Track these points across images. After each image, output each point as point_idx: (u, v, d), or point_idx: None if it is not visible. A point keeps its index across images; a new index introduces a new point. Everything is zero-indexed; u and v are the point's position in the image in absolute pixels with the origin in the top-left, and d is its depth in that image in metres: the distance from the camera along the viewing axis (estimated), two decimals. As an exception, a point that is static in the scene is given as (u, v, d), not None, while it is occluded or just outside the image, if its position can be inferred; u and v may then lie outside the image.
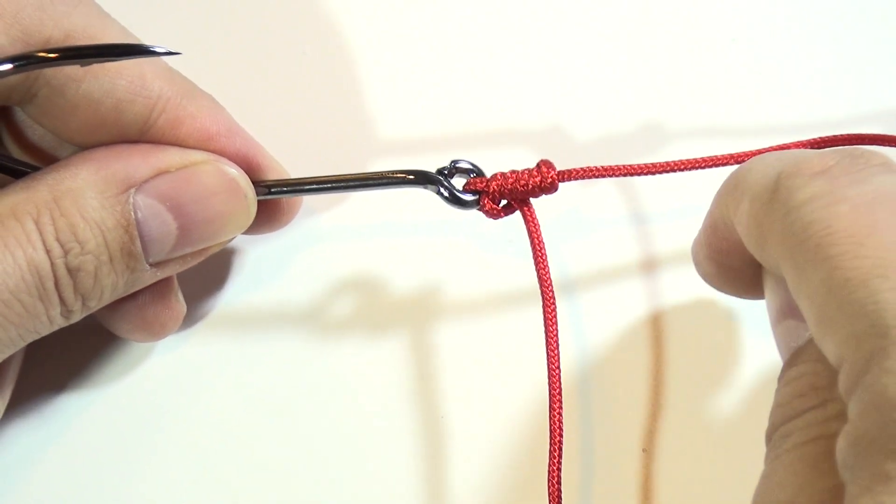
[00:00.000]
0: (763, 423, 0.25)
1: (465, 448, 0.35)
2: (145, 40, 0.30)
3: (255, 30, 0.41)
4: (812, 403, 0.23)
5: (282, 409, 0.35)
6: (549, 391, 0.32)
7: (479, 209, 0.34)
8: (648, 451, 0.35)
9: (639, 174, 0.34)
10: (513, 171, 0.33)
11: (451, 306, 0.36)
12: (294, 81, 0.40)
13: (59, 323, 0.30)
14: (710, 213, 0.29)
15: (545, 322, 0.32)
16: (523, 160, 0.34)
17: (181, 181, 0.31)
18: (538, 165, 0.33)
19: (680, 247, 0.37)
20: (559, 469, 0.31)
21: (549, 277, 0.33)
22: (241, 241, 0.37)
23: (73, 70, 0.29)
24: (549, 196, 0.34)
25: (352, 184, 0.33)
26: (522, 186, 0.33)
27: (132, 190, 0.30)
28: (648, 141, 0.39)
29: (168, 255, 0.31)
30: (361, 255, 0.37)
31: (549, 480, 0.31)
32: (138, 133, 0.31)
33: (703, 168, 0.34)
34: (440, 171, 0.33)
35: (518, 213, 0.34)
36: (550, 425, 0.31)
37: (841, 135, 0.35)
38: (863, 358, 0.20)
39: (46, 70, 0.29)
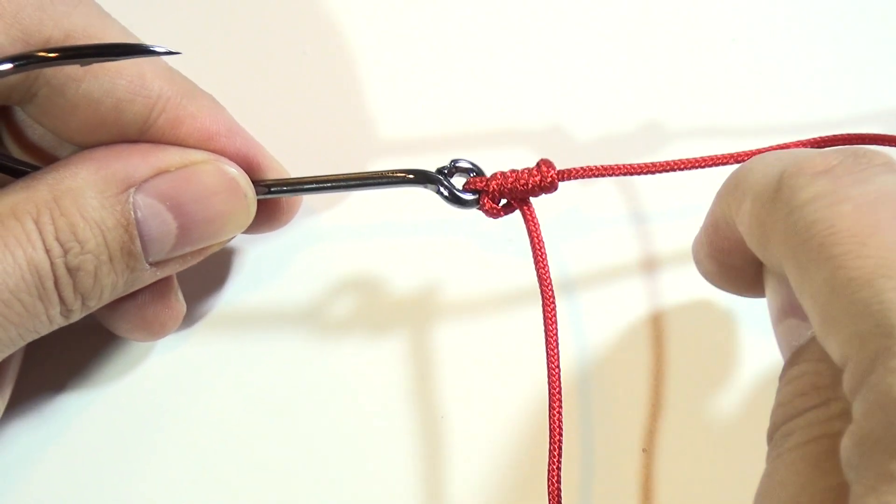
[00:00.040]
0: (764, 423, 0.25)
1: (465, 448, 0.35)
2: (145, 40, 0.30)
3: (255, 30, 0.41)
4: (814, 402, 0.23)
5: (282, 409, 0.35)
6: (549, 390, 0.32)
7: (479, 208, 0.34)
8: (648, 451, 0.35)
9: (638, 173, 0.34)
10: (512, 171, 0.33)
11: (451, 306, 0.36)
12: (294, 81, 0.40)
13: (59, 322, 0.30)
14: (712, 212, 0.29)
15: (545, 321, 0.32)
16: (523, 160, 0.34)
17: (181, 181, 0.31)
18: (538, 165, 0.33)
19: (680, 246, 0.37)
20: (559, 469, 0.31)
21: (549, 277, 0.33)
22: (240, 240, 0.37)
23: (72, 70, 0.29)
24: (549, 195, 0.34)
25: (351, 183, 0.33)
26: (522, 186, 0.33)
27: (132, 189, 0.30)
28: (648, 141, 0.39)
29: (168, 254, 0.31)
30: (361, 255, 0.37)
31: (548, 480, 0.31)
32: (138, 132, 0.31)
33: (703, 167, 0.34)
34: (440, 171, 0.33)
35: (518, 213, 0.34)
36: (550, 425, 0.31)
37: (841, 134, 0.35)
38: (868, 357, 0.20)
39: (46, 70, 0.29)
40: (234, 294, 0.37)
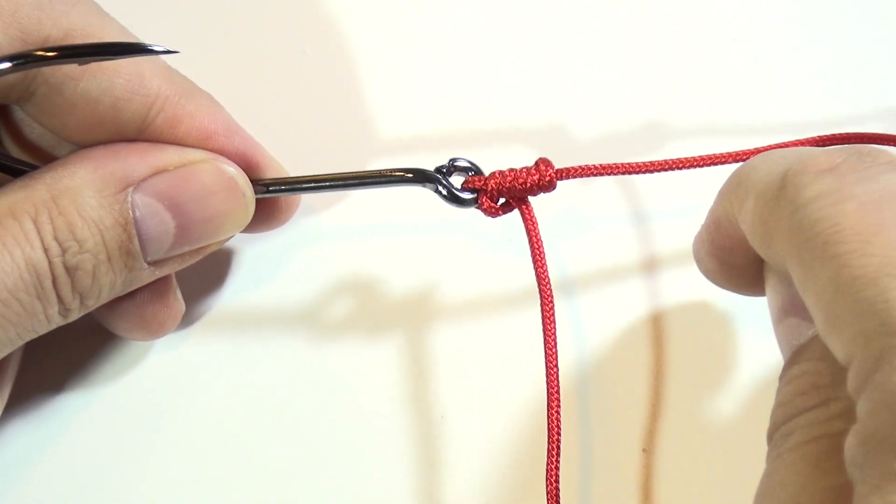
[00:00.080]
0: (763, 423, 0.25)
1: (464, 448, 0.34)
2: (145, 40, 0.30)
3: (255, 30, 0.41)
4: (814, 402, 0.23)
5: (281, 409, 0.35)
6: (547, 390, 0.32)
7: (478, 207, 0.33)
8: (648, 451, 0.34)
9: (638, 172, 0.34)
10: (511, 170, 0.33)
11: (450, 306, 0.36)
12: (294, 81, 0.40)
13: (58, 322, 0.30)
14: (713, 210, 0.29)
15: (543, 321, 0.32)
16: (524, 160, 0.34)
17: (179, 180, 0.31)
18: (536, 163, 0.33)
19: (680, 246, 0.37)
20: (557, 468, 0.31)
21: (548, 276, 0.33)
22: (239, 239, 0.37)
23: (71, 69, 0.29)
24: (548, 194, 0.33)
25: (350, 182, 0.33)
26: (521, 185, 0.33)
27: (130, 188, 0.30)
28: (649, 140, 0.39)
29: (166, 253, 0.31)
30: (360, 255, 0.37)
31: (547, 480, 0.31)
32: (136, 131, 0.31)
33: (703, 166, 0.34)
34: (438, 170, 0.33)
35: (518, 212, 0.34)
36: (548, 425, 0.31)
37: (842, 133, 0.35)
38: (872, 356, 0.20)
39: (45, 69, 0.29)
40: (233, 293, 0.37)
